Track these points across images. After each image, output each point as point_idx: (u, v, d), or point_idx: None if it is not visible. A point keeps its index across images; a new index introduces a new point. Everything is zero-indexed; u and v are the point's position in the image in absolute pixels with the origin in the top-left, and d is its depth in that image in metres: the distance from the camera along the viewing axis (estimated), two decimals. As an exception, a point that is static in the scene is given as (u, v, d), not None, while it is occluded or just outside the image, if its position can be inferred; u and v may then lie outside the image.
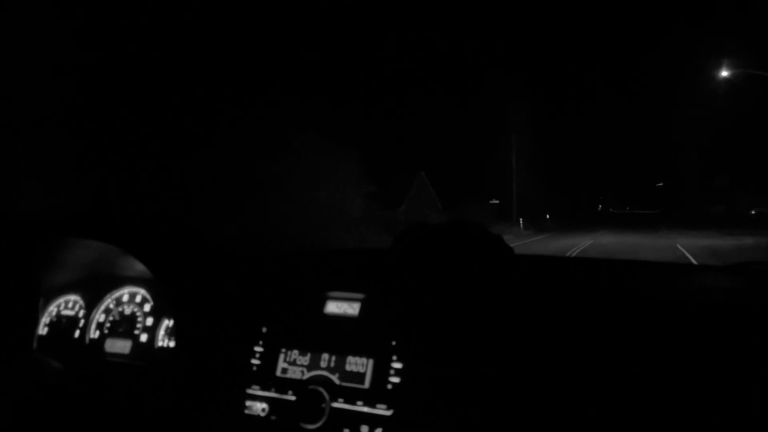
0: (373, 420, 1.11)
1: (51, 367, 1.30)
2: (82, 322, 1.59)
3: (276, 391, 1.20)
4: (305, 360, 1.22)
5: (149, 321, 1.56)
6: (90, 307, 1.60)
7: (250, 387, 1.23)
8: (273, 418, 1.18)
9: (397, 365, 1.15)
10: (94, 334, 1.58)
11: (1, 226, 1.25)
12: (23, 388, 1.13)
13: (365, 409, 1.12)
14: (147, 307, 1.57)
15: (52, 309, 1.62)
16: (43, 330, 1.59)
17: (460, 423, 1.08)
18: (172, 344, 1.50)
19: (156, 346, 1.52)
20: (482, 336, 1.15)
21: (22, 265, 1.15)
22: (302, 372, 1.21)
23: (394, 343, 1.17)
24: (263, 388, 1.22)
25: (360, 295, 1.26)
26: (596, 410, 1.02)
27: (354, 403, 1.14)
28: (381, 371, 1.15)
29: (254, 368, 1.25)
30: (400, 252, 1.43)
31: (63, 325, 1.59)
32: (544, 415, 1.05)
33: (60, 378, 1.28)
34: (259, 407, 1.20)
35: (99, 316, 1.59)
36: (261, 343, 1.27)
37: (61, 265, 1.55)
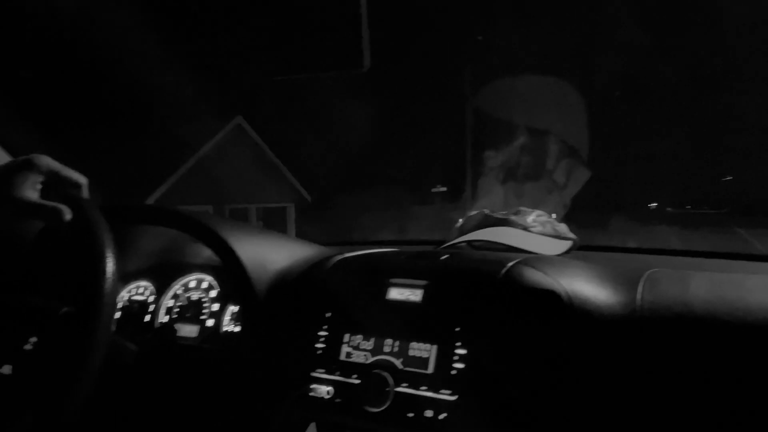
0: (437, 405, 1.11)
1: (127, 348, 1.36)
2: (152, 307, 1.66)
3: (340, 375, 1.23)
4: (369, 345, 1.24)
5: (215, 306, 1.61)
6: (159, 292, 1.67)
7: (314, 370, 1.26)
8: (338, 400, 1.20)
9: (461, 351, 1.15)
10: (163, 318, 1.65)
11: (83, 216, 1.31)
12: (105, 368, 1.19)
13: (429, 394, 1.13)
14: (213, 294, 1.63)
15: (125, 294, 1.70)
16: (117, 314, 1.67)
17: (524, 410, 1.08)
18: (237, 329, 1.55)
19: (222, 331, 1.57)
20: (547, 324, 1.14)
21: (103, 247, 1.20)
22: (366, 356, 1.23)
23: (457, 329, 1.17)
24: (328, 372, 1.24)
25: (422, 282, 1.27)
26: None
27: (418, 388, 1.14)
28: (445, 357, 1.16)
29: (318, 352, 1.27)
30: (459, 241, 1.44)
31: (135, 309, 1.67)
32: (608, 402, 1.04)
33: (135, 359, 1.34)
34: (324, 390, 1.22)
35: (168, 302, 1.66)
36: (325, 327, 1.29)
37: (134, 251, 1.62)
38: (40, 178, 1.14)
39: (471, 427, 1.08)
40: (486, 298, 1.20)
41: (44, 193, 1.16)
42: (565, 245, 1.69)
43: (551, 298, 1.16)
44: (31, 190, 1.13)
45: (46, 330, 1.24)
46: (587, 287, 1.20)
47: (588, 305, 1.15)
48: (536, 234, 1.66)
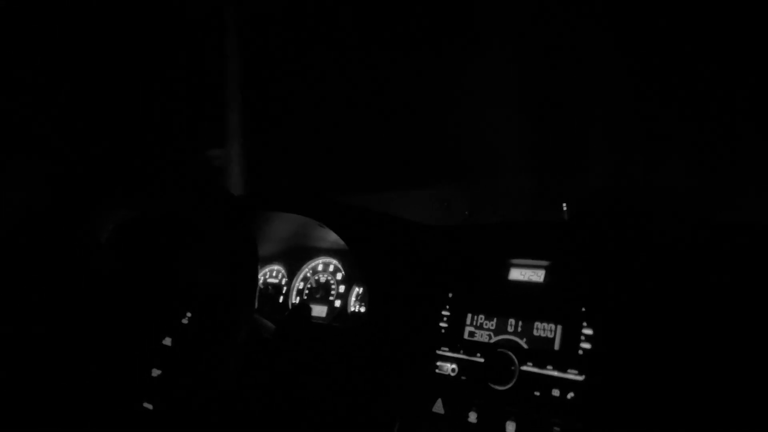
0: (564, 384, 1.12)
1: (266, 326, 1.48)
2: (284, 289, 1.79)
3: (465, 353, 1.26)
4: (492, 324, 1.26)
5: (342, 288, 1.70)
6: (290, 275, 1.79)
7: (439, 348, 1.30)
8: (463, 378, 1.24)
9: (588, 331, 1.14)
10: (294, 299, 1.77)
11: (229, 204, 1.44)
12: (248, 345, 1.30)
13: (556, 374, 1.13)
14: (339, 276, 1.72)
15: (261, 278, 1.84)
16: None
17: (655, 392, 1.05)
18: (363, 309, 1.63)
19: (349, 311, 1.66)
20: (676, 305, 1.10)
21: (248, 236, 1.32)
22: (489, 336, 1.25)
23: (583, 309, 1.16)
24: (452, 350, 1.28)
25: (544, 263, 1.26)
26: None
27: (544, 367, 1.15)
28: (570, 337, 1.15)
29: (443, 331, 1.31)
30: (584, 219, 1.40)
31: (269, 291, 1.81)
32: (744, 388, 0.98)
33: (273, 335, 1.46)
34: (449, 367, 1.26)
35: (298, 284, 1.78)
36: (448, 307, 1.33)
37: (268, 237, 1.75)
38: None
39: (600, 407, 1.07)
40: (616, 276, 1.17)
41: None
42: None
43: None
44: None
45: (199, 308, 1.38)
46: None
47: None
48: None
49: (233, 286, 1.26)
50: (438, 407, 1.24)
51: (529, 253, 1.29)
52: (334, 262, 1.75)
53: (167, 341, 1.31)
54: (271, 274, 1.83)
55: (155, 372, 1.28)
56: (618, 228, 1.28)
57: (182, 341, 1.29)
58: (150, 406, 1.23)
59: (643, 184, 1.43)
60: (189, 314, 1.30)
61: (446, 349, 1.29)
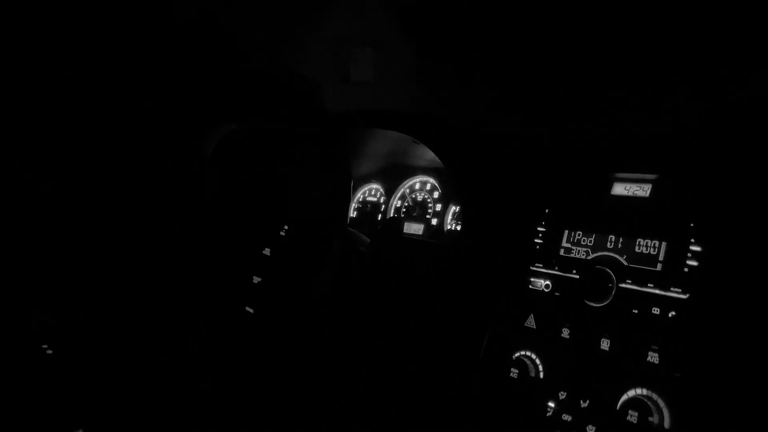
0: (665, 303, 1.05)
1: (361, 239, 1.52)
2: (382, 207, 1.82)
3: (559, 270, 1.22)
4: (589, 241, 1.21)
5: (438, 207, 1.70)
6: (388, 194, 1.82)
7: (533, 265, 1.27)
8: (557, 294, 1.21)
9: (696, 248, 1.05)
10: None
11: (322, 122, 1.46)
12: (342, 252, 1.35)
13: (657, 292, 1.07)
14: (436, 194, 1.71)
15: (360, 196, 1.88)
16: (353, 213, 1.87)
17: (760, 313, 0.96)
18: (459, 227, 1.63)
19: (445, 230, 1.66)
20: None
21: (340, 154, 1.35)
22: (587, 252, 1.20)
23: (692, 225, 1.07)
24: (546, 266, 1.25)
25: (651, 176, 1.17)
26: None
27: (644, 285, 1.09)
28: (676, 254, 1.08)
29: (537, 247, 1.28)
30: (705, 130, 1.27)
31: (368, 209, 1.84)
32: None
33: (368, 248, 1.50)
34: (542, 283, 1.23)
35: (396, 202, 1.79)
36: (544, 224, 1.29)
37: (366, 155, 1.77)
38: None
39: (703, 327, 1.00)
40: (731, 190, 1.06)
41: None
42: None
43: None
44: None
45: (296, 220, 1.44)
46: None
47: None
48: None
49: (328, 198, 1.30)
50: (530, 322, 1.23)
51: (634, 167, 1.20)
52: (431, 181, 1.74)
53: (266, 251, 1.38)
54: (370, 192, 1.86)
55: (256, 279, 1.37)
56: (736, 138, 1.15)
57: (280, 251, 1.36)
58: (251, 311, 1.33)
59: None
60: (286, 227, 1.36)
61: (540, 265, 1.26)
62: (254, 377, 1.45)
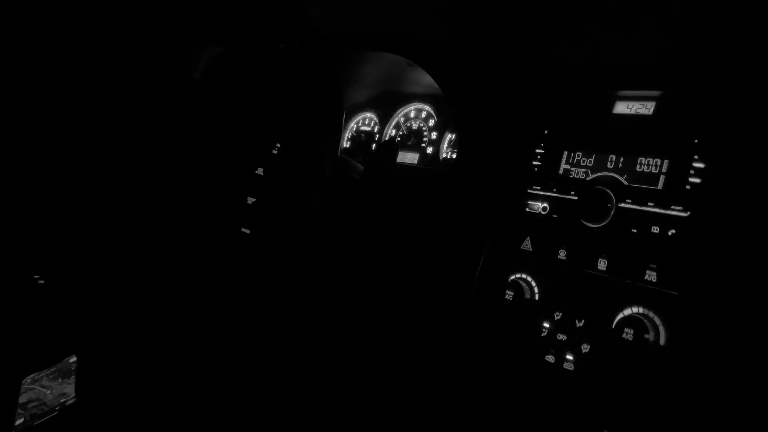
0: (665, 221, 1.03)
1: (354, 166, 1.49)
2: (376, 136, 1.77)
3: (557, 192, 1.19)
4: (589, 161, 1.17)
5: (434, 135, 1.65)
6: (382, 123, 1.76)
7: (531, 187, 1.24)
8: (554, 216, 1.18)
9: (699, 165, 1.02)
10: (387, 147, 1.75)
11: (311, 46, 1.40)
12: (334, 184, 1.31)
13: (657, 210, 1.04)
14: (431, 122, 1.67)
15: (353, 125, 1.83)
16: (346, 143, 1.82)
17: (761, 231, 0.94)
18: (454, 156, 1.59)
19: (441, 158, 1.62)
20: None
21: (334, 81, 1.30)
22: (586, 173, 1.17)
23: (696, 141, 1.04)
24: (544, 189, 1.22)
25: (656, 93, 1.13)
26: None
27: (644, 204, 1.06)
28: (678, 172, 1.05)
29: (535, 169, 1.25)
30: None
31: (362, 139, 1.80)
32: None
33: (362, 175, 1.46)
34: (539, 206, 1.21)
35: (390, 131, 1.75)
36: (542, 145, 1.25)
37: (358, 82, 1.71)
38: None
39: (703, 244, 0.98)
40: (737, 107, 1.03)
41: None
42: None
43: None
44: None
45: (287, 139, 1.40)
46: None
47: None
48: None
49: (320, 118, 1.25)
50: (527, 245, 1.21)
51: (638, 84, 1.15)
52: (426, 108, 1.69)
53: (260, 171, 1.35)
54: (364, 122, 1.81)
55: (250, 200, 1.34)
56: (742, 55, 1.10)
57: (273, 170, 1.32)
58: (247, 231, 1.30)
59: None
60: (278, 145, 1.32)
61: (538, 187, 1.23)
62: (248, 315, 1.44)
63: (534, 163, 1.25)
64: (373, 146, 1.77)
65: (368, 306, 1.45)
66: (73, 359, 1.39)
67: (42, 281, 1.50)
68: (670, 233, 1.02)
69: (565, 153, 1.21)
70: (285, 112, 1.38)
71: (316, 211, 1.26)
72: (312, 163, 1.21)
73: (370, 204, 1.44)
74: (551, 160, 1.23)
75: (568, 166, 1.20)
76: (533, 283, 1.17)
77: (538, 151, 1.25)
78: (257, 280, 1.36)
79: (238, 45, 1.44)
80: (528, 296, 1.17)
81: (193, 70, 1.43)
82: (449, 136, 1.62)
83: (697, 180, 1.02)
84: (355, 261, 1.45)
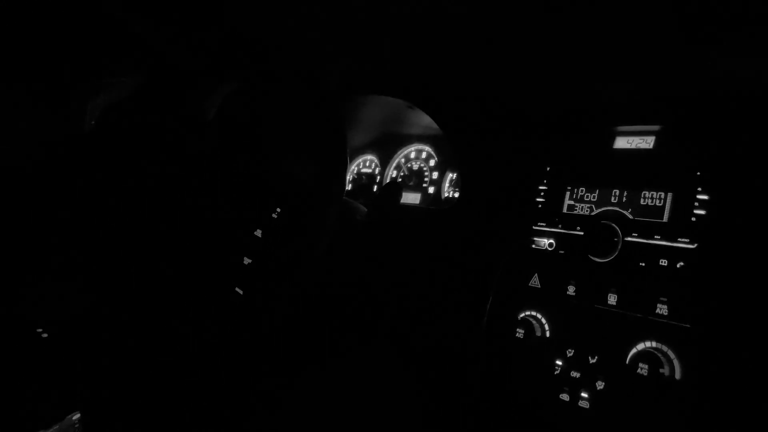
0: (673, 253, 1.03)
1: (358, 208, 1.49)
2: (378, 178, 1.79)
3: (563, 228, 1.20)
4: (593, 197, 1.18)
5: (435, 174, 1.67)
6: (383, 164, 1.78)
7: (536, 224, 1.24)
8: (561, 252, 1.19)
9: (703, 197, 1.03)
10: (388, 188, 1.76)
11: (313, 93, 1.42)
12: (337, 226, 1.31)
13: (664, 243, 1.05)
14: (432, 162, 1.68)
15: (354, 168, 1.84)
16: (348, 186, 1.83)
17: None
18: (456, 194, 1.60)
19: (443, 197, 1.63)
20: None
21: (337, 124, 1.31)
22: (591, 208, 1.18)
23: (699, 173, 1.05)
24: (549, 225, 1.22)
25: (656, 128, 1.15)
26: None
27: (651, 237, 1.07)
28: (683, 204, 1.05)
29: (539, 206, 1.25)
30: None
31: (363, 181, 1.81)
32: None
33: (366, 217, 1.47)
34: (545, 242, 1.21)
35: (391, 172, 1.76)
36: (545, 182, 1.26)
37: (358, 125, 1.74)
38: None
39: (712, 275, 0.98)
40: (737, 137, 1.04)
41: None
42: None
43: None
44: None
45: (290, 200, 1.41)
46: None
47: None
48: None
49: (324, 172, 1.26)
50: (535, 282, 1.21)
51: (637, 119, 1.18)
52: (427, 149, 1.71)
53: (258, 233, 1.35)
54: (365, 164, 1.83)
55: (246, 261, 1.33)
56: (741, 88, 1.13)
57: (273, 233, 1.33)
58: (241, 292, 1.29)
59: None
60: (279, 210, 1.33)
61: (543, 224, 1.23)
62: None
63: (538, 199, 1.26)
64: (375, 188, 1.78)
65: (375, 346, 1.43)
66: (77, 416, 1.36)
67: (45, 335, 1.48)
68: (678, 265, 1.02)
69: (569, 189, 1.22)
70: (288, 161, 1.39)
71: (320, 262, 1.26)
72: (317, 216, 1.22)
73: (375, 246, 1.43)
74: (555, 197, 1.24)
75: (572, 202, 1.21)
76: (543, 320, 1.16)
77: (541, 188, 1.26)
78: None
79: (248, 80, 1.46)
80: (539, 334, 1.16)
81: (206, 111, 1.43)
82: (450, 176, 1.64)
83: (702, 212, 1.03)
84: (361, 303, 1.44)
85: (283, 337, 1.42)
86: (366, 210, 1.51)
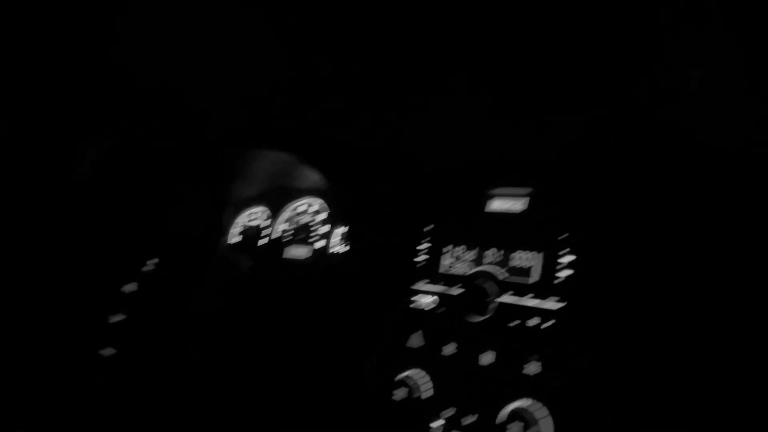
0: (543, 313, 1.05)
1: (243, 263, 1.43)
2: (267, 230, 1.74)
3: (441, 287, 1.20)
4: (470, 256, 1.20)
5: (324, 229, 1.64)
6: (273, 217, 1.74)
7: (416, 283, 1.24)
8: (440, 311, 1.18)
9: (569, 258, 1.07)
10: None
11: (194, 142, 1.37)
12: (221, 279, 1.26)
13: (534, 303, 1.07)
14: (322, 217, 1.66)
15: (242, 220, 1.78)
16: (236, 238, 1.77)
17: (634, 317, 0.98)
18: (345, 249, 1.58)
19: (331, 252, 1.60)
20: (657, 229, 1.03)
21: (214, 177, 1.27)
22: (467, 267, 1.19)
23: (565, 235, 1.09)
24: (429, 284, 1.22)
25: (526, 191, 1.19)
26: None
27: (522, 297, 1.09)
28: (551, 265, 1.09)
29: (420, 265, 1.25)
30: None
31: (252, 232, 1.75)
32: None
33: (250, 273, 1.41)
34: (425, 301, 1.21)
35: (281, 226, 1.72)
36: (426, 241, 1.27)
37: (249, 177, 1.69)
38: None
39: (578, 334, 1.01)
40: (601, 201, 1.10)
41: None
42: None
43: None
44: None
45: (169, 250, 1.34)
46: None
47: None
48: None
49: (204, 222, 1.21)
50: (413, 341, 1.19)
51: (510, 182, 1.22)
52: (317, 202, 1.68)
53: (131, 287, 1.26)
54: (254, 215, 1.77)
55: (115, 318, 1.24)
56: (604, 154, 1.20)
57: (148, 286, 1.24)
58: (110, 353, 1.20)
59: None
60: (156, 259, 1.25)
61: (422, 283, 1.23)
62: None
63: (419, 258, 1.26)
64: (263, 241, 1.73)
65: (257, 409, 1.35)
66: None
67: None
68: (547, 324, 1.04)
69: (447, 248, 1.23)
70: (172, 217, 1.32)
71: (198, 318, 1.19)
72: (196, 270, 1.15)
73: (257, 303, 1.38)
74: (435, 256, 1.24)
75: (451, 261, 1.22)
76: (422, 381, 1.14)
77: (422, 247, 1.27)
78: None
79: (128, 138, 1.38)
80: (418, 395, 1.13)
81: (81, 165, 1.34)
82: (339, 231, 1.62)
83: (568, 272, 1.06)
84: (242, 365, 1.37)
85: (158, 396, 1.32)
86: (249, 265, 1.46)
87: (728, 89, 1.02)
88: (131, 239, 1.38)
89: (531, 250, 1.12)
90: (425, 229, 1.28)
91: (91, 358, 1.22)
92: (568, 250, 1.08)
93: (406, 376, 1.14)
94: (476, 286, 1.12)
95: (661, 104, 1.11)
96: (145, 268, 1.28)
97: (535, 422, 0.98)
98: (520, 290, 1.10)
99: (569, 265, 1.07)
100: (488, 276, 1.15)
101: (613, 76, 1.01)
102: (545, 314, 1.05)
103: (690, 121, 1.19)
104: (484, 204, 1.23)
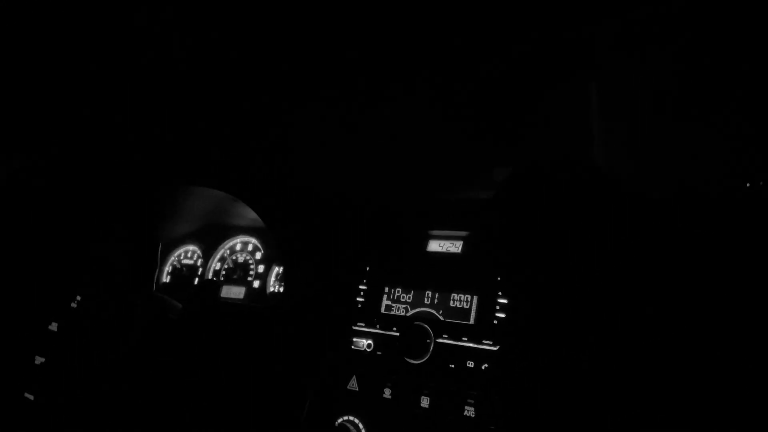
0: (478, 355, 1.08)
1: (172, 305, 1.39)
2: (200, 270, 1.69)
3: (381, 328, 1.21)
4: (409, 297, 1.22)
5: (261, 268, 1.62)
6: (207, 256, 1.70)
7: (355, 324, 1.24)
8: (378, 353, 1.19)
9: (503, 301, 1.11)
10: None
11: (120, 177, 1.34)
12: (147, 322, 1.21)
13: (471, 345, 1.10)
14: (258, 255, 1.64)
15: (173, 259, 1.73)
16: (166, 278, 1.71)
17: (565, 358, 1.03)
18: (282, 289, 1.56)
19: (268, 292, 1.58)
20: (588, 275, 1.09)
21: (143, 216, 1.23)
22: (406, 309, 1.21)
23: (498, 279, 1.13)
24: (368, 325, 1.23)
25: (463, 233, 1.23)
26: None
27: (459, 339, 1.11)
28: (486, 307, 1.12)
29: (359, 306, 1.26)
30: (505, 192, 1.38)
31: (184, 272, 1.70)
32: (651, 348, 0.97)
33: (180, 315, 1.37)
34: (364, 343, 1.21)
35: (215, 264, 1.68)
36: (365, 281, 1.28)
37: (182, 215, 1.65)
38: None
39: (512, 378, 1.04)
40: (532, 246, 1.15)
41: None
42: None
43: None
44: None
45: (93, 288, 1.28)
46: None
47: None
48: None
49: (131, 261, 1.17)
50: (353, 384, 1.19)
51: (448, 224, 1.25)
52: (253, 241, 1.66)
53: (53, 326, 1.19)
54: (186, 254, 1.73)
55: (39, 360, 1.17)
56: (536, 199, 1.26)
57: (72, 325, 1.18)
58: (31, 397, 1.12)
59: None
60: (79, 297, 1.19)
61: (362, 324, 1.24)
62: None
63: (358, 299, 1.27)
64: (196, 281, 1.69)
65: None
66: None
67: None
68: (483, 367, 1.07)
69: (386, 289, 1.25)
70: (94, 252, 1.27)
71: (125, 362, 1.13)
72: (123, 311, 1.11)
73: (188, 347, 1.33)
74: (374, 297, 1.25)
75: (389, 302, 1.23)
76: (361, 426, 1.14)
77: (361, 287, 1.28)
78: None
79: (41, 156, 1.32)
80: (357, 439, 1.13)
81: None
82: (276, 269, 1.60)
83: (502, 315, 1.10)
84: (172, 412, 1.31)
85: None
86: (180, 306, 1.41)
87: (629, 133, 1.11)
88: (52, 273, 1.31)
89: (467, 292, 1.16)
90: (366, 269, 1.29)
91: (11, 402, 1.14)
92: (500, 293, 1.12)
93: (346, 420, 1.14)
94: (417, 327, 1.14)
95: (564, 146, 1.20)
96: (72, 304, 1.22)
97: None
98: (458, 332, 1.12)
99: (502, 309, 1.10)
100: (428, 316, 1.17)
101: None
102: (480, 357, 1.08)
103: (595, 164, 1.28)
104: (422, 245, 1.26)
